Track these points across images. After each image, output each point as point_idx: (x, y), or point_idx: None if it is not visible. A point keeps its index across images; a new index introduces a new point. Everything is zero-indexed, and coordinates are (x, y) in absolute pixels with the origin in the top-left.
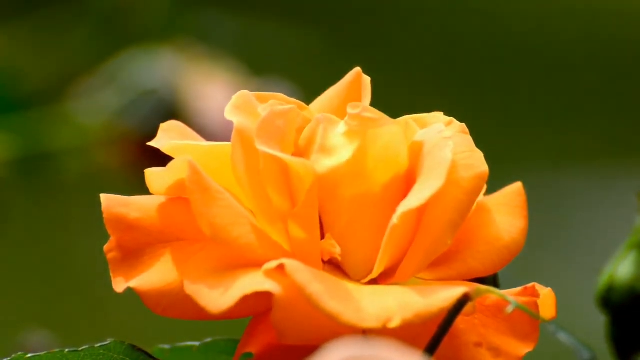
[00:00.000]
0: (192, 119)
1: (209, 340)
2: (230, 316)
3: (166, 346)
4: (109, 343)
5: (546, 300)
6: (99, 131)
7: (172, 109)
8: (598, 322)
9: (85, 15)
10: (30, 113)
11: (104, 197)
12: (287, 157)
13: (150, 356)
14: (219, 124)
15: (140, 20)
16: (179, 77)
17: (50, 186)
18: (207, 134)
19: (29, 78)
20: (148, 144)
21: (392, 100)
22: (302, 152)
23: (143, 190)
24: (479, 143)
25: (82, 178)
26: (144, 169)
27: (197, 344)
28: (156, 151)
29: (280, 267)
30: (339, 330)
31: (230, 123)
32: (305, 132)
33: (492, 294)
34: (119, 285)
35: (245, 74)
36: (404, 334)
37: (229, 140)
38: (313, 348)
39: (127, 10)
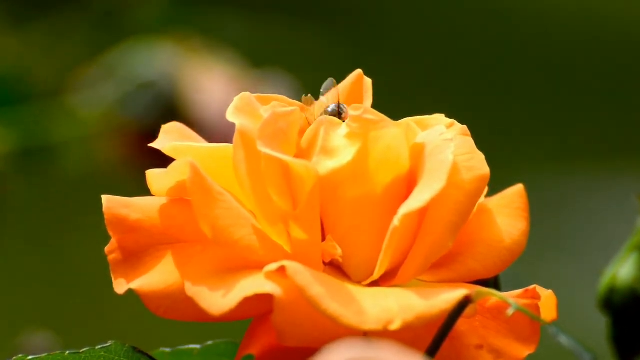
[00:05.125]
0: (191, 111)
1: (209, 343)
2: (232, 318)
3: (167, 349)
4: (110, 345)
5: (547, 302)
6: (98, 123)
7: (170, 101)
8: (599, 323)
9: (85, 8)
10: (30, 106)
11: (105, 198)
12: (288, 159)
13: (151, 358)
14: (218, 116)
15: (140, 13)
16: (177, 69)
17: (50, 178)
18: (206, 127)
19: (29, 72)
20: (149, 145)
21: (394, 101)
22: (303, 153)
23: (142, 182)
24: (480, 145)
25: (82, 170)
26: (143, 161)
27: (198, 347)
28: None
29: (281, 269)
30: (340, 332)
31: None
32: (307, 134)
33: (493, 296)
34: (120, 286)
35: (244, 66)
36: (405, 336)
37: (227, 132)
38: (314, 350)
39: (127, 2)
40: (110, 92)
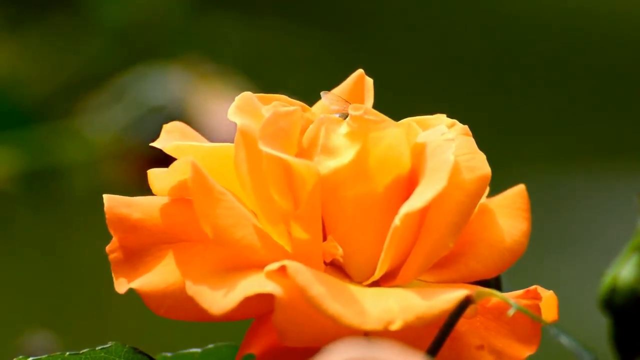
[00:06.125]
0: (201, 135)
1: (210, 346)
2: (232, 318)
3: (168, 354)
4: (110, 346)
5: (548, 303)
6: (106, 146)
7: None
8: (600, 324)
9: (95, 31)
10: (38, 128)
11: (107, 198)
12: (290, 158)
13: (151, 359)
14: (227, 140)
15: (150, 37)
16: (187, 93)
17: (56, 201)
18: None
19: (37, 92)
20: (151, 144)
21: (395, 102)
22: (304, 153)
23: None
24: (481, 145)
25: (89, 193)
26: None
27: (198, 350)
28: (163, 167)
29: (282, 269)
30: (340, 332)
31: None
32: (308, 133)
33: (494, 296)
34: (121, 286)
35: (254, 91)
36: (405, 336)
37: None
38: (315, 350)
39: (137, 26)
40: (119, 116)
